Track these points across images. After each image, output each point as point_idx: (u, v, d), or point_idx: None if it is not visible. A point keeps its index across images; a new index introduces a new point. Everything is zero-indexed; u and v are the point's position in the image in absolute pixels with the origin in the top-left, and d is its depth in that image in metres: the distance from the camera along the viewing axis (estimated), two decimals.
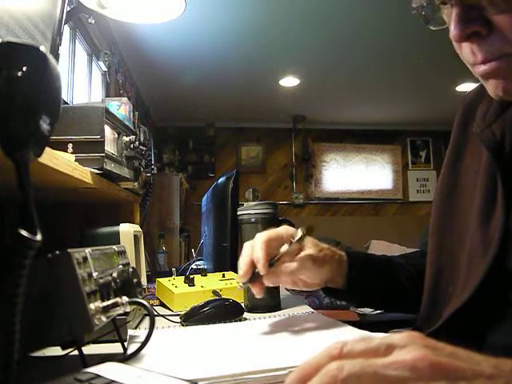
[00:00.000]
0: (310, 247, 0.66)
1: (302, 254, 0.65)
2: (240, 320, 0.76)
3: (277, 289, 0.86)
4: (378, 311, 1.41)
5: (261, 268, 0.61)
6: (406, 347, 0.29)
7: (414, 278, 0.73)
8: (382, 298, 0.76)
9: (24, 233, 0.29)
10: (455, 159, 0.66)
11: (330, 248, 0.70)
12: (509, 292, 0.52)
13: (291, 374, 0.30)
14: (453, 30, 0.47)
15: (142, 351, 0.48)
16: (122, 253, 0.53)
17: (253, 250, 0.63)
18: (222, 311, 0.76)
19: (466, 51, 0.50)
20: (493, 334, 0.53)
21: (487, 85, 0.52)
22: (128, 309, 0.44)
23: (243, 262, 0.63)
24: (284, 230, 0.68)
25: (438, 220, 0.66)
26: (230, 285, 0.98)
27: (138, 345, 0.48)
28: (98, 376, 0.33)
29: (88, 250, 0.42)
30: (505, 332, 0.52)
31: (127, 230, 0.84)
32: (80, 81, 2.58)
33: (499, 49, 0.47)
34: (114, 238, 0.82)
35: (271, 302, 0.85)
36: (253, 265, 0.63)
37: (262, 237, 0.64)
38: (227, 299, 0.81)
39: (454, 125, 0.69)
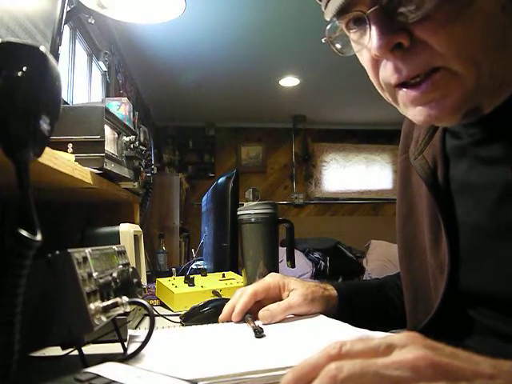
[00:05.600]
0: (296, 288, 0.68)
1: (291, 292, 0.68)
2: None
3: None
4: None
5: (234, 316, 0.65)
6: (406, 347, 0.29)
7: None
8: (381, 323, 0.76)
9: (24, 233, 0.29)
10: (405, 186, 0.67)
11: (318, 285, 0.71)
12: (468, 309, 0.55)
13: (288, 373, 0.30)
14: (376, 43, 0.44)
15: (142, 351, 0.48)
16: (122, 253, 0.53)
17: (238, 299, 0.67)
18: (221, 311, 0.76)
19: (389, 70, 0.47)
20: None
21: (412, 111, 0.48)
22: (128, 309, 0.44)
23: (226, 308, 0.68)
24: (271, 278, 0.70)
25: (403, 245, 0.67)
26: (229, 285, 0.98)
27: (138, 345, 0.48)
28: (98, 376, 0.33)
29: (88, 250, 0.42)
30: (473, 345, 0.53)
31: (127, 230, 0.84)
32: (80, 81, 2.58)
33: (426, 62, 0.44)
34: (114, 238, 0.82)
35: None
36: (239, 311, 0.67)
37: (250, 289, 0.68)
38: (227, 299, 0.80)
39: (399, 150, 0.70)
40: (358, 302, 0.72)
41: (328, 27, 0.52)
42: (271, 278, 0.71)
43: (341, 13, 0.47)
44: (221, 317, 0.67)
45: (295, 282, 0.70)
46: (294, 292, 0.68)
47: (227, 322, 0.67)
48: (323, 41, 0.52)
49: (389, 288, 0.77)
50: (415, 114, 0.49)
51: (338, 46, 0.53)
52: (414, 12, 0.43)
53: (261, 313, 0.64)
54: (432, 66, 0.44)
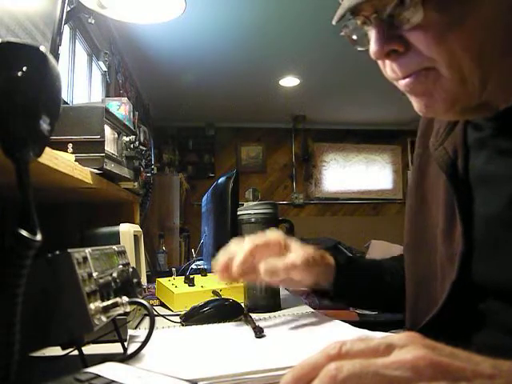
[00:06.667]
0: (298, 250, 0.67)
1: (293, 254, 0.66)
2: (240, 320, 0.76)
3: (277, 289, 0.86)
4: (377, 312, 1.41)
5: (235, 266, 0.63)
6: (406, 347, 0.29)
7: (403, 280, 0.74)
8: (372, 302, 0.76)
9: (24, 233, 0.29)
10: (420, 176, 0.67)
11: (317, 251, 0.70)
12: (478, 302, 0.54)
13: (288, 373, 0.30)
14: (372, 48, 0.49)
15: (142, 351, 0.48)
16: (122, 253, 0.53)
17: (237, 252, 0.65)
18: (221, 311, 0.76)
19: (388, 69, 0.52)
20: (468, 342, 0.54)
21: (412, 101, 0.53)
22: (128, 309, 0.44)
23: (220, 260, 0.64)
24: (271, 235, 0.69)
25: (411, 236, 0.67)
26: (229, 285, 0.98)
27: (138, 345, 0.48)
28: (98, 376, 0.33)
29: (88, 250, 0.42)
30: (481, 339, 0.53)
31: (127, 230, 0.84)
32: (80, 81, 2.58)
33: (417, 64, 0.48)
34: (114, 238, 0.82)
35: (271, 302, 0.85)
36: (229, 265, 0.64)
37: (249, 243, 0.65)
38: (227, 299, 0.81)
39: (416, 142, 0.70)
40: (354, 273, 0.73)
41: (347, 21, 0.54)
42: (272, 236, 0.68)
43: (351, 14, 0.51)
44: (216, 268, 0.64)
45: (296, 244, 0.68)
46: (296, 253, 0.66)
47: (222, 276, 0.64)
48: (342, 34, 0.55)
49: (386, 267, 0.77)
50: (415, 104, 0.52)
51: (356, 43, 0.55)
52: (408, 21, 0.46)
53: (263, 266, 0.62)
54: (422, 67, 0.48)
